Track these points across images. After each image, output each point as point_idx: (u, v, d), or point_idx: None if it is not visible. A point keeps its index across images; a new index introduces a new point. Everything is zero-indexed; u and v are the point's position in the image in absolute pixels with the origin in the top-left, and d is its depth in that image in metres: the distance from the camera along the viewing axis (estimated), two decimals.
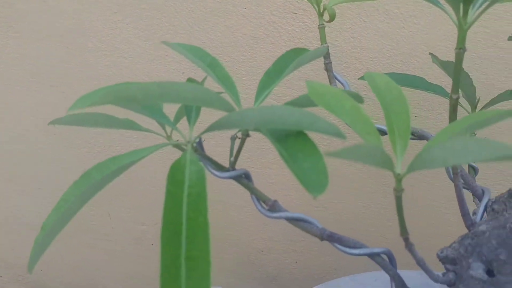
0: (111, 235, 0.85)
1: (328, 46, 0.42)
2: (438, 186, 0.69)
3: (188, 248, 0.24)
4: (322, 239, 0.33)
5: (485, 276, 0.29)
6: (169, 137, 0.33)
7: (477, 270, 0.29)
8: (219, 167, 0.34)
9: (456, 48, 0.33)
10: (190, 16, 0.67)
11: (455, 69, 0.33)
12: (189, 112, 0.30)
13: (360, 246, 0.33)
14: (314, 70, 0.67)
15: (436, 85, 0.55)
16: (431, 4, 0.36)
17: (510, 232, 0.30)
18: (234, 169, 0.34)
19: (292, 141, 0.27)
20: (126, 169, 0.28)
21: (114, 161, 0.28)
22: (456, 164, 0.22)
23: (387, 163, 0.23)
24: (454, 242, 0.32)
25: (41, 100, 0.76)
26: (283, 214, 0.33)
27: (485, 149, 0.20)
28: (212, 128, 0.28)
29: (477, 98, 0.56)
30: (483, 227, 0.31)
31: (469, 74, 0.52)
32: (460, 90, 0.47)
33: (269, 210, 0.34)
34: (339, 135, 0.24)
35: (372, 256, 0.32)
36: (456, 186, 0.35)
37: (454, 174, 0.35)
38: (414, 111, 0.67)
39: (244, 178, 0.34)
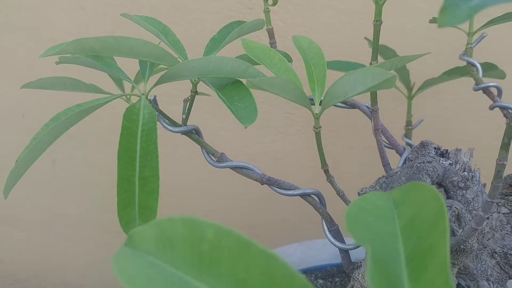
0: (79, 224, 0.89)
1: (272, 27, 0.48)
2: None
3: (141, 170, 0.29)
4: (262, 183, 0.38)
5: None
6: (128, 98, 0.38)
7: None
8: (173, 123, 0.39)
9: (373, 21, 0.39)
10: (153, 10, 0.72)
11: (374, 39, 0.39)
12: (144, 68, 0.36)
13: (295, 188, 0.38)
14: None
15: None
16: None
17: (417, 169, 0.36)
18: (185, 125, 0.39)
19: (229, 88, 0.33)
20: (86, 113, 0.33)
21: (78, 107, 0.33)
22: (353, 95, 0.27)
23: (302, 99, 0.29)
24: (373, 183, 0.38)
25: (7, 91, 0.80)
26: (228, 164, 0.39)
27: (368, 77, 0.26)
28: (162, 80, 0.33)
29: (413, 82, 0.63)
30: (396, 170, 0.37)
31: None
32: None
33: (217, 161, 0.39)
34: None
35: (304, 196, 0.38)
36: (377, 140, 0.41)
37: (375, 130, 0.41)
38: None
39: (194, 134, 0.40)
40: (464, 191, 0.35)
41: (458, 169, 0.36)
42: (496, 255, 0.47)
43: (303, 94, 0.29)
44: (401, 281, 0.17)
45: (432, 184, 0.35)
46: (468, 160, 0.37)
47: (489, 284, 0.47)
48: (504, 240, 0.46)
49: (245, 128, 0.29)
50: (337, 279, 0.58)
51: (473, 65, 0.48)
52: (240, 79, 0.33)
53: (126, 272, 0.17)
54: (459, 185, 0.35)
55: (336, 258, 0.61)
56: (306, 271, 0.59)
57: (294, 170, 0.78)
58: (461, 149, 0.38)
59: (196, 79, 0.36)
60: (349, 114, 0.72)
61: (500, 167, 0.29)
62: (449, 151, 0.38)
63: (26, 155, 0.31)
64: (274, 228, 0.83)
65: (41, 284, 0.95)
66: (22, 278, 0.94)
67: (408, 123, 0.62)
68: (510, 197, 0.47)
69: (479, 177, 0.37)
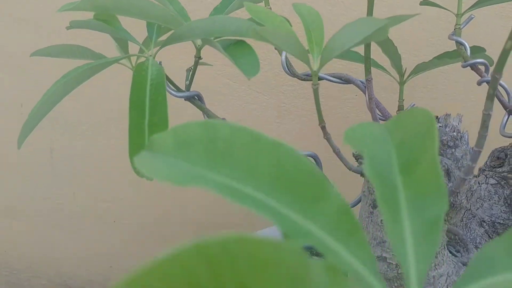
0: (75, 214, 0.90)
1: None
2: None
3: (150, 118, 0.31)
4: None
5: None
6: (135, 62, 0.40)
7: None
8: (177, 88, 0.41)
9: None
10: None
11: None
12: (151, 31, 0.38)
13: None
14: None
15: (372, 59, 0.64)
16: None
17: None
18: (189, 91, 0.41)
19: (233, 47, 0.35)
20: (95, 71, 0.34)
21: (88, 65, 0.35)
22: (350, 46, 0.30)
23: (302, 53, 0.32)
24: None
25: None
26: None
27: (363, 26, 0.28)
28: (168, 41, 0.35)
29: (405, 68, 0.65)
30: None
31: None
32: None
33: None
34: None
35: None
36: (370, 110, 0.43)
37: (369, 99, 0.43)
38: None
39: (197, 100, 0.42)
40: (453, 150, 0.37)
41: (447, 130, 0.38)
42: (485, 224, 0.49)
43: (303, 48, 0.31)
44: (395, 177, 0.19)
45: None
46: (457, 124, 0.40)
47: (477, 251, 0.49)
48: (492, 209, 0.49)
49: (249, 79, 0.31)
50: None
51: (462, 43, 0.50)
52: (243, 39, 0.35)
53: (148, 168, 0.19)
54: (449, 144, 0.37)
55: None
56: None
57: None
58: (450, 114, 0.40)
59: (200, 43, 0.38)
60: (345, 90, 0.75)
61: (486, 117, 0.32)
62: (439, 117, 0.40)
63: (39, 107, 0.33)
64: None
65: (37, 275, 0.95)
66: (17, 269, 0.95)
67: (400, 107, 0.64)
68: (498, 169, 0.50)
69: (467, 139, 0.39)
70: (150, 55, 0.37)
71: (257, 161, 0.18)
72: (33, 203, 0.89)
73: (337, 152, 0.39)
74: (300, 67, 0.47)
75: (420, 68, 0.63)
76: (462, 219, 0.50)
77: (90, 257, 0.94)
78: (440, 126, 0.38)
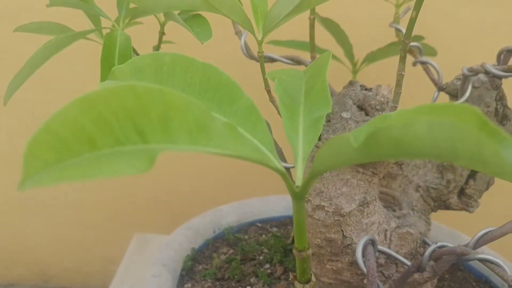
0: (50, 203, 0.95)
1: None
2: None
3: None
4: None
5: (325, 122, 0.44)
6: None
7: None
8: None
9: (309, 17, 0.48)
10: None
11: (310, 33, 0.48)
12: (121, 7, 0.44)
13: None
14: None
15: (326, 49, 0.71)
16: None
17: (342, 96, 0.45)
18: None
19: (191, 20, 0.41)
20: (72, 39, 0.40)
21: (66, 34, 0.40)
22: (286, 14, 0.36)
23: (246, 23, 0.38)
24: None
25: None
26: None
27: None
28: (135, 15, 0.41)
29: (357, 58, 0.72)
30: None
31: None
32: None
33: None
34: None
35: None
36: None
37: (312, 58, 0.50)
38: None
39: None
40: (380, 112, 0.44)
41: (378, 97, 0.45)
42: (420, 189, 0.56)
43: (246, 17, 0.38)
44: (299, 97, 0.26)
45: (354, 105, 0.44)
46: (387, 93, 0.46)
47: (413, 214, 0.55)
48: (426, 176, 0.56)
49: (202, 44, 0.37)
50: (289, 227, 0.66)
51: (400, 30, 0.57)
52: (200, 13, 0.41)
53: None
54: (376, 107, 0.44)
55: (289, 211, 0.70)
56: (264, 221, 0.67)
57: None
58: (381, 85, 0.47)
59: (163, 19, 0.45)
60: None
61: (399, 76, 0.38)
62: (371, 88, 0.47)
63: (23, 69, 0.38)
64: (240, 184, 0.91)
65: (13, 264, 0.99)
66: None
67: None
68: None
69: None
70: (119, 28, 0.43)
71: (192, 78, 0.24)
72: (5, 192, 0.93)
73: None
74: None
75: (370, 58, 0.71)
76: (400, 185, 0.56)
77: (65, 245, 0.98)
78: (371, 93, 0.45)
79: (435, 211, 0.57)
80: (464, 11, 0.80)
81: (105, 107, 0.16)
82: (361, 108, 0.45)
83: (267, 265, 0.56)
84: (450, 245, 0.44)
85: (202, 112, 0.18)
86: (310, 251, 0.24)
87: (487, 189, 0.56)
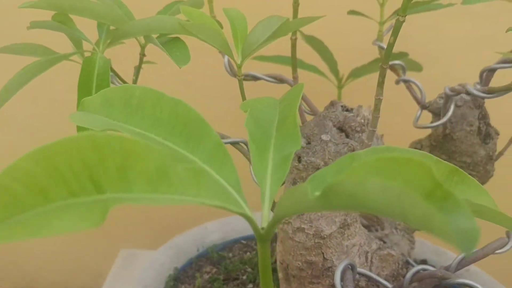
0: None
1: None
2: None
3: None
4: None
5: (305, 145, 0.44)
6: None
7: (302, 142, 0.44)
8: (123, 82, 0.47)
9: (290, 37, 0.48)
10: None
11: (292, 53, 0.48)
12: (101, 30, 0.44)
13: (226, 137, 0.46)
14: None
15: (312, 65, 0.71)
16: None
17: (323, 117, 0.45)
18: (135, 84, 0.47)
19: (170, 43, 0.41)
20: (51, 63, 0.40)
21: (46, 58, 0.40)
22: (264, 40, 0.36)
23: (225, 48, 0.38)
24: None
25: None
26: None
27: (272, 23, 0.35)
28: (115, 38, 0.41)
29: (342, 74, 0.73)
30: (309, 121, 0.46)
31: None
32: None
33: None
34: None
35: (234, 144, 0.46)
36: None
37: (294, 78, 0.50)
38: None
39: None
40: (360, 134, 0.44)
41: (358, 118, 0.45)
42: None
43: (226, 43, 0.38)
44: (271, 131, 0.26)
45: (333, 127, 0.44)
46: (367, 114, 0.46)
47: (396, 232, 0.55)
48: None
49: (180, 68, 0.37)
50: (273, 244, 0.66)
51: (383, 48, 0.58)
52: (178, 36, 0.41)
53: (79, 122, 0.25)
54: (356, 129, 0.44)
55: None
56: (249, 238, 0.67)
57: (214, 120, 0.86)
58: (362, 106, 0.47)
59: (144, 41, 0.44)
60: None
61: (377, 101, 0.38)
62: (352, 109, 0.47)
63: (10, 85, 0.38)
64: None
65: (0, 280, 0.98)
66: None
67: None
68: None
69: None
70: (100, 51, 0.42)
71: (161, 113, 0.24)
72: None
73: None
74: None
75: (355, 73, 0.71)
76: None
77: (53, 259, 0.98)
78: (352, 115, 0.45)
79: (419, 230, 0.57)
80: (450, 27, 0.80)
81: (61, 158, 0.15)
82: (341, 129, 0.45)
83: (250, 285, 0.56)
84: (431, 268, 0.44)
85: (163, 158, 0.18)
86: None
87: None
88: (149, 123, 0.24)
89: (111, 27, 0.44)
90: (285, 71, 0.74)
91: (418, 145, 0.57)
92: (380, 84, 0.37)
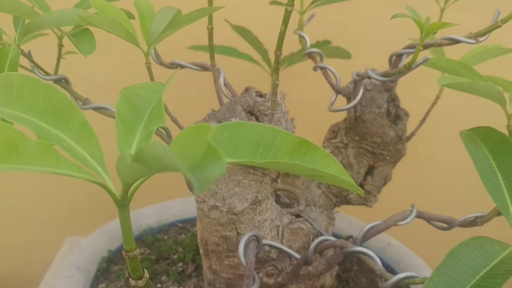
0: None
1: None
2: None
3: None
4: None
5: None
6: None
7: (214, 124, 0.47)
8: (45, 73, 0.49)
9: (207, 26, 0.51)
10: None
11: (209, 42, 0.51)
12: (17, 23, 0.46)
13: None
14: None
15: (246, 54, 0.74)
16: None
17: (234, 102, 0.48)
18: (56, 74, 0.49)
19: (79, 35, 0.43)
20: None
21: None
22: (164, 28, 0.39)
23: (129, 37, 0.41)
24: (206, 116, 0.50)
25: None
26: (91, 105, 0.49)
27: (168, 12, 0.38)
28: (29, 29, 0.43)
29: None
30: (223, 106, 0.49)
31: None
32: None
33: (83, 104, 0.50)
34: None
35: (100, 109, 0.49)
36: (216, 90, 0.53)
37: (215, 81, 0.53)
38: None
39: (64, 82, 0.50)
40: (272, 117, 0.47)
41: (267, 102, 0.48)
42: (322, 186, 0.60)
43: (129, 33, 0.40)
44: (146, 112, 0.29)
45: (243, 111, 0.47)
46: (280, 99, 0.50)
47: (315, 209, 0.59)
48: None
49: (85, 57, 0.40)
50: None
51: (303, 37, 0.61)
52: (88, 28, 0.44)
53: None
54: (265, 113, 0.47)
55: None
56: (185, 221, 0.70)
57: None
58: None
59: (60, 33, 0.47)
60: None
61: (274, 86, 0.42)
62: (266, 94, 0.50)
63: None
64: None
65: None
66: None
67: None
68: (333, 140, 0.61)
69: (284, 108, 0.49)
70: (16, 44, 0.44)
71: (36, 97, 0.27)
72: None
73: (174, 120, 0.48)
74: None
75: (286, 61, 0.74)
76: (303, 183, 0.60)
77: (1, 251, 0.99)
78: (262, 99, 0.48)
79: (338, 206, 0.61)
80: (384, 15, 0.84)
81: None
82: (251, 113, 0.48)
83: (180, 264, 0.59)
84: (333, 238, 0.48)
85: (13, 135, 0.20)
86: (137, 251, 0.27)
87: (384, 184, 0.61)
88: (27, 106, 0.27)
89: (27, 21, 0.46)
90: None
91: (336, 127, 0.61)
92: (276, 70, 0.41)
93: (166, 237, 0.66)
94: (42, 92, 0.26)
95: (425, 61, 0.45)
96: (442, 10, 0.61)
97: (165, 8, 0.38)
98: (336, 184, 0.32)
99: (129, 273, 0.29)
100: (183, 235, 0.67)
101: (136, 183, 0.23)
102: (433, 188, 0.95)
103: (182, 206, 0.71)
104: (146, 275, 0.29)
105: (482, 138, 0.41)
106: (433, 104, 0.62)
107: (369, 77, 0.51)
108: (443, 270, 0.27)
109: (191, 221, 0.70)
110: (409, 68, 0.44)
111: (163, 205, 0.70)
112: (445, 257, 0.28)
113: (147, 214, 0.67)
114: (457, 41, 0.49)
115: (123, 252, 0.28)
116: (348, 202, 0.60)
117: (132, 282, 0.28)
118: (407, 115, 0.59)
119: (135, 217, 0.67)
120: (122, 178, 0.21)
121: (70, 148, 0.25)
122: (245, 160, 0.28)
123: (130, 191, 0.23)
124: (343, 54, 0.74)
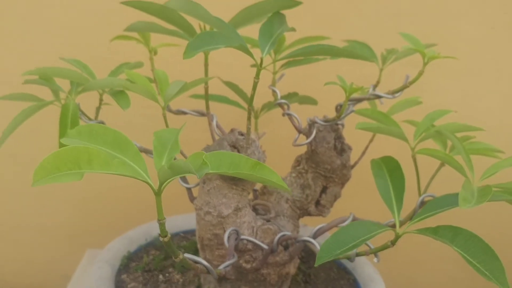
0: (14, 226, 1.14)
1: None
2: None
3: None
4: None
5: None
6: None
7: None
8: (89, 118, 0.70)
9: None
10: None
11: (205, 94, 0.73)
12: (73, 85, 0.67)
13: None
14: None
15: (236, 101, 0.96)
16: None
17: (221, 139, 0.69)
18: (96, 119, 0.71)
19: (117, 94, 0.65)
20: (38, 108, 0.63)
21: (35, 103, 0.64)
22: (176, 93, 0.60)
23: (152, 97, 0.62)
24: (202, 149, 0.71)
25: None
26: None
27: (176, 84, 0.60)
28: (82, 91, 0.65)
29: (256, 107, 0.97)
30: (214, 142, 0.71)
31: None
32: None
33: None
34: None
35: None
36: (211, 130, 0.75)
37: (209, 123, 0.75)
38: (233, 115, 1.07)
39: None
40: (247, 149, 0.69)
41: (244, 139, 0.69)
42: (289, 201, 0.80)
43: (152, 94, 0.62)
44: (168, 145, 0.50)
45: (228, 145, 0.68)
46: (254, 137, 0.71)
47: (284, 218, 0.80)
48: (293, 192, 0.80)
49: (124, 110, 0.61)
50: None
51: (275, 91, 0.83)
52: (123, 90, 0.66)
53: (66, 143, 0.48)
54: (243, 146, 0.69)
55: None
56: (187, 232, 0.90)
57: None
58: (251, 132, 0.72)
59: (101, 92, 0.68)
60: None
61: (248, 129, 0.63)
62: (244, 133, 0.72)
63: (6, 129, 0.61)
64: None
65: None
66: None
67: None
68: (297, 167, 0.82)
69: (257, 144, 0.70)
70: (72, 99, 0.66)
71: (107, 137, 0.48)
72: None
73: (180, 151, 0.69)
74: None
75: (265, 107, 0.96)
76: (275, 199, 0.81)
77: (27, 265, 1.18)
78: (242, 137, 0.70)
79: (302, 217, 0.82)
80: (345, 69, 1.07)
81: (64, 155, 0.39)
82: (234, 147, 0.69)
83: None
84: (290, 233, 0.68)
85: (106, 156, 0.41)
86: (168, 237, 0.48)
87: (335, 200, 0.81)
88: (102, 142, 0.48)
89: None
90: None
91: (299, 157, 0.82)
92: (248, 118, 0.62)
93: None
94: (111, 134, 0.48)
95: (351, 112, 0.67)
96: (381, 70, 0.83)
97: (176, 81, 0.60)
98: (275, 186, 0.52)
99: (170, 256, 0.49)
100: (184, 242, 0.87)
101: (166, 182, 0.44)
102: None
103: (184, 220, 0.91)
104: (181, 256, 0.50)
105: (385, 164, 0.62)
106: (370, 141, 0.84)
107: (316, 122, 0.73)
108: (335, 236, 0.48)
109: (191, 232, 0.91)
110: (339, 117, 0.66)
111: (169, 219, 0.90)
112: (339, 229, 0.49)
113: (157, 226, 0.88)
114: (379, 97, 0.71)
115: (160, 237, 0.49)
116: (309, 214, 0.81)
117: (176, 259, 0.50)
118: (350, 148, 0.80)
119: (148, 228, 0.87)
120: (160, 178, 0.42)
121: (128, 164, 0.45)
122: (223, 171, 0.49)
123: (162, 186, 0.44)
124: (311, 101, 0.97)
